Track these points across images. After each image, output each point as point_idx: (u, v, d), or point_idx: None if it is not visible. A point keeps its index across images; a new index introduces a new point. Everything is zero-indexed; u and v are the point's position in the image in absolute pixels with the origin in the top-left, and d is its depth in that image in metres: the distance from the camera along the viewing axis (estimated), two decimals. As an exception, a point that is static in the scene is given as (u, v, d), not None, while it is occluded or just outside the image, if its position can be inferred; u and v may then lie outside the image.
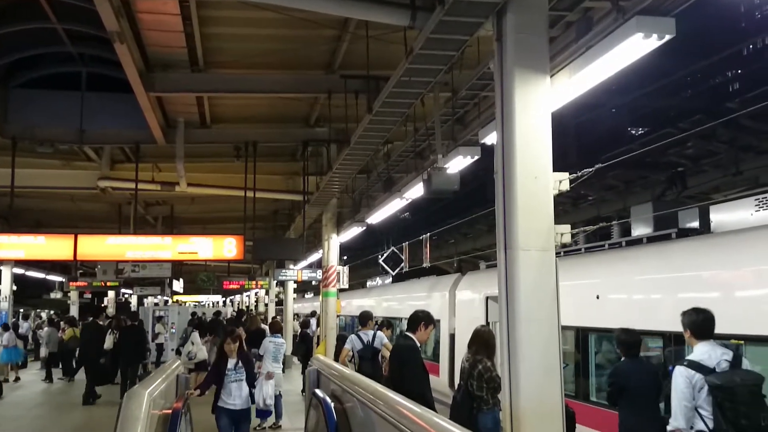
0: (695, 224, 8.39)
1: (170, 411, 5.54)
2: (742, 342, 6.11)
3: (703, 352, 4.98)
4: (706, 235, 7.74)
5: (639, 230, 9.36)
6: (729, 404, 4.68)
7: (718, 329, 6.37)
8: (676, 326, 6.94)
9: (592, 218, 18.14)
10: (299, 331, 19.97)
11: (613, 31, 4.93)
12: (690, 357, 5.05)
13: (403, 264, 21.54)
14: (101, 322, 17.66)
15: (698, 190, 15.40)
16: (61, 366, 19.15)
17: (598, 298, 8.33)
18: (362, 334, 9.65)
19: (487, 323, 10.63)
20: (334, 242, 16.23)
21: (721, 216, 7.91)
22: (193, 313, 24.11)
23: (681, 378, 4.90)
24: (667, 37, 4.69)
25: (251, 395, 7.62)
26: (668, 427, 5.00)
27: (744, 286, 6.39)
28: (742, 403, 4.67)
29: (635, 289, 8.03)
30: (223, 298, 61.60)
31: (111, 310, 32.36)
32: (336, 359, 10.72)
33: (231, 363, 7.47)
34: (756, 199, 7.28)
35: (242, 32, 8.83)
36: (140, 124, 11.24)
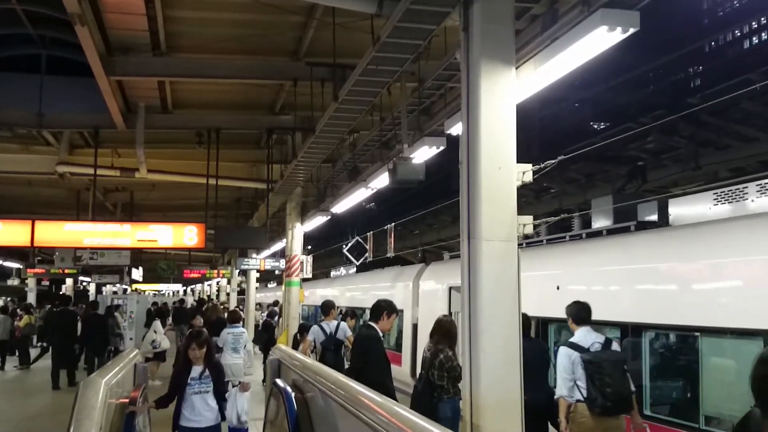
0: (654, 217, 8.52)
1: (127, 400, 5.45)
2: (698, 333, 6.24)
3: (580, 335, 6.24)
4: (664, 228, 7.87)
5: (599, 222, 9.47)
6: (597, 375, 5.89)
7: (676, 321, 6.56)
8: (634, 317, 7.10)
9: (554, 210, 18.32)
10: (262, 320, 19.86)
11: (578, 24, 4.95)
12: (571, 339, 6.29)
13: (367, 254, 21.53)
14: (71, 309, 17.59)
15: (658, 183, 15.64)
16: (17, 354, 18.84)
17: (558, 288, 8.43)
18: (324, 325, 9.56)
19: (450, 313, 10.68)
20: (298, 231, 16.14)
21: (679, 209, 8.04)
22: (154, 303, 23.88)
23: (563, 356, 6.14)
24: (632, 31, 4.72)
25: (221, 410, 6.26)
26: (555, 396, 6.20)
27: (701, 278, 6.51)
28: (607, 374, 5.89)
29: (594, 281, 8.13)
30: (184, 287, 60.97)
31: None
32: (294, 348, 10.66)
33: (195, 371, 6.23)
34: (714, 194, 7.41)
35: (206, 16, 8.69)
36: (100, 108, 11.01)
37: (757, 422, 1.98)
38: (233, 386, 10.57)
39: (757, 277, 5.86)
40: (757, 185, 6.88)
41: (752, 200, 6.91)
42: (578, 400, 6.01)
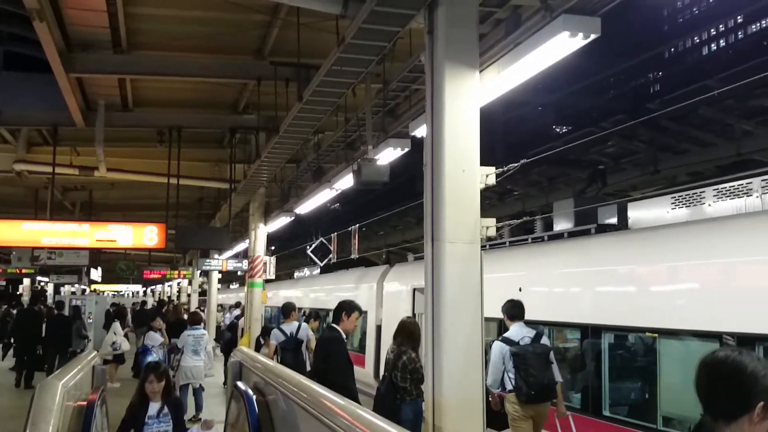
0: (614, 220, 8.65)
1: (85, 403, 5.34)
2: (657, 335, 6.35)
3: (513, 330, 6.81)
4: (624, 231, 7.99)
5: (561, 225, 9.59)
6: (523, 366, 6.47)
7: (631, 322, 6.68)
8: (594, 319, 7.20)
9: (517, 213, 18.48)
10: (225, 322, 19.67)
11: (541, 29, 5.01)
12: (504, 334, 6.86)
13: (331, 255, 21.47)
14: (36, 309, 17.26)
15: (617, 187, 15.89)
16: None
17: (520, 290, 8.50)
18: (285, 327, 9.49)
19: (414, 315, 10.70)
20: (262, 232, 16.03)
21: (638, 213, 8.17)
22: (114, 304, 23.51)
23: (495, 349, 6.70)
24: (593, 36, 4.80)
25: None
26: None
27: (658, 281, 6.63)
28: (531, 365, 6.47)
29: (555, 282, 8.23)
30: (144, 288, 60.07)
31: (26, 298, 31.13)
32: (256, 350, 10.57)
33: (153, 408, 5.67)
34: (672, 197, 7.55)
35: (168, 13, 8.55)
36: (59, 105, 10.77)
37: (709, 427, 2.01)
38: (193, 389, 10.51)
39: (712, 280, 5.98)
40: (714, 190, 7.03)
41: (709, 204, 7.07)
42: (509, 390, 6.59)
